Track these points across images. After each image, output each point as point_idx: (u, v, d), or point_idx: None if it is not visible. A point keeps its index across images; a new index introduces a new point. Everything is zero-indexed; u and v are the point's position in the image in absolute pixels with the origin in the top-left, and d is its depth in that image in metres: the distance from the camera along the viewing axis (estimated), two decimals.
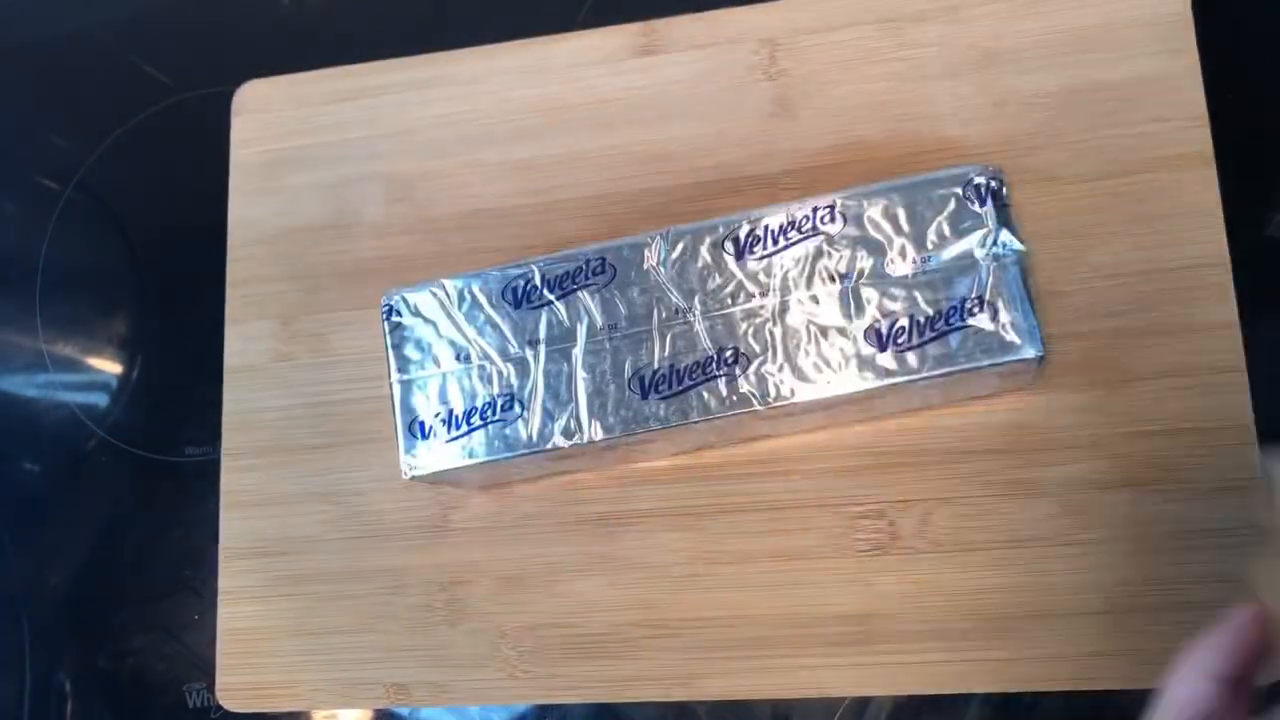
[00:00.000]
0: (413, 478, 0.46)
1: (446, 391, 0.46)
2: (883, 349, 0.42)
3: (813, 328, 0.42)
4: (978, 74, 0.51)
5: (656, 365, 0.44)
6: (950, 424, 0.48)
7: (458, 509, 0.52)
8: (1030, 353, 0.40)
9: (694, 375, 0.43)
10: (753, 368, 0.42)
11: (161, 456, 0.59)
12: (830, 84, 0.52)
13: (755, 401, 0.42)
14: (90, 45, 0.66)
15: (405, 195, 0.56)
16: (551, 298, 0.45)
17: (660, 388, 0.43)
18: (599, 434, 0.44)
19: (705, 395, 0.43)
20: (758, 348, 0.43)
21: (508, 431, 0.45)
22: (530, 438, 0.44)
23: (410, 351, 0.46)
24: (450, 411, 0.45)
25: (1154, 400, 0.46)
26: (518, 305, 0.45)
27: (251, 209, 0.58)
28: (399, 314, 0.47)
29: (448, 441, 0.45)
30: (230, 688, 0.53)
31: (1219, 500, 0.45)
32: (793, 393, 0.42)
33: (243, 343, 0.56)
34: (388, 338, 0.46)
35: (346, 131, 0.57)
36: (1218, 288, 0.46)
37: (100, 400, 0.61)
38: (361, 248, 0.56)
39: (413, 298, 0.47)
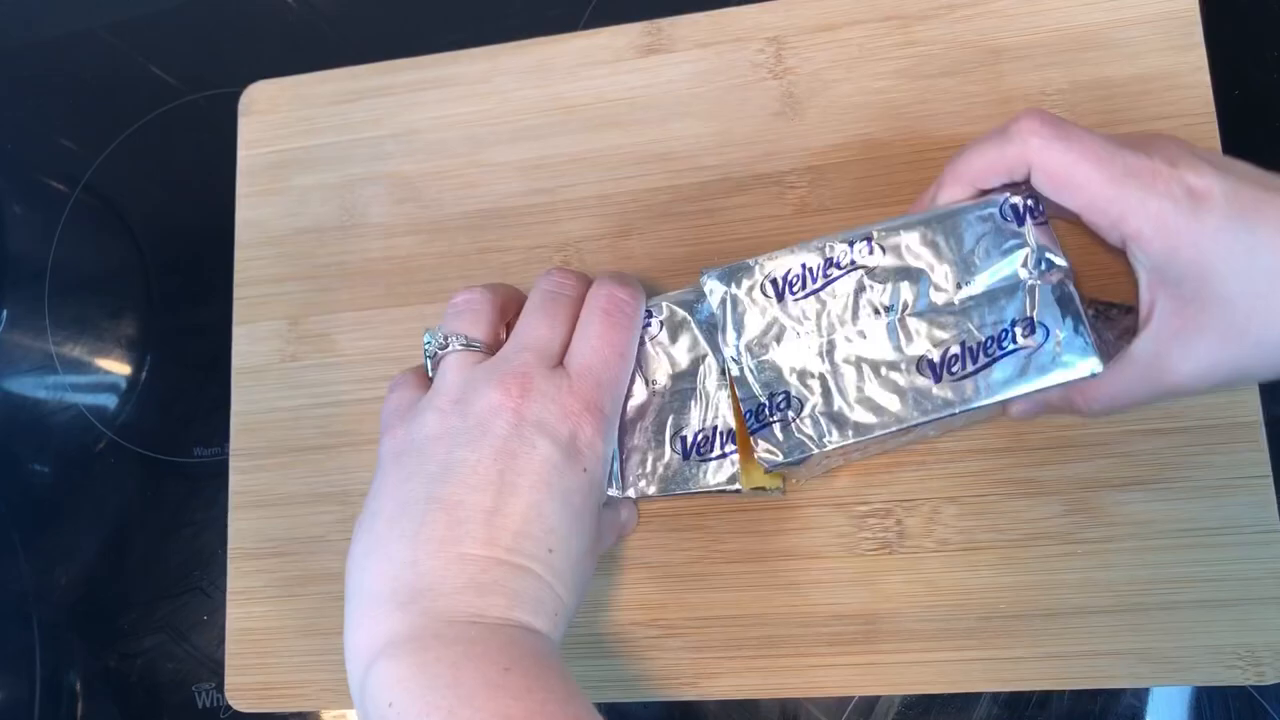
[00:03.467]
0: None
1: None
2: (938, 380, 0.40)
3: (864, 365, 0.41)
4: (983, 71, 0.51)
5: (700, 426, 0.43)
6: None
7: None
8: (1087, 371, 0.39)
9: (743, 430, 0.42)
10: (805, 411, 0.41)
11: (170, 457, 0.59)
12: (836, 82, 0.52)
13: (813, 445, 0.41)
14: (97, 47, 0.66)
15: (411, 195, 0.56)
16: None
17: (702, 449, 0.43)
18: (633, 493, 0.44)
19: (760, 443, 0.41)
20: (808, 391, 0.41)
21: None
22: None
23: None
24: None
25: None
26: None
27: (259, 210, 0.58)
28: None
29: None
30: (239, 688, 0.53)
31: (1224, 498, 0.45)
32: (851, 433, 0.40)
33: (250, 343, 0.56)
34: None
35: (353, 132, 0.58)
36: None
37: (109, 401, 0.61)
38: (368, 248, 0.56)
39: None
